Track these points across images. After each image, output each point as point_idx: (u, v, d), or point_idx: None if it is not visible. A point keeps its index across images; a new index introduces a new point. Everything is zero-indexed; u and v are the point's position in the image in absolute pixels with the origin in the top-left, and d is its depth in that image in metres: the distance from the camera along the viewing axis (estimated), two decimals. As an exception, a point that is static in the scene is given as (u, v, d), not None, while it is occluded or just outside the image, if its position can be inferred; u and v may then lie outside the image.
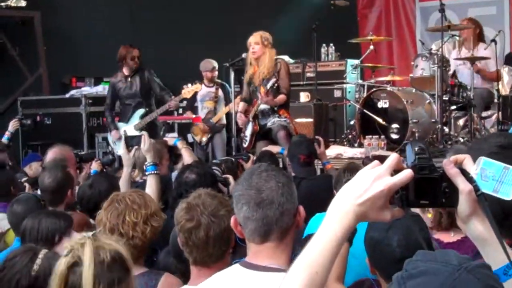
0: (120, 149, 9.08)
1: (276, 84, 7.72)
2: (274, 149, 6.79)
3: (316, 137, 6.82)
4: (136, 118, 9.14)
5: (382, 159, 4.78)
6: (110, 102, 9.39)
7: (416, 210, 3.08)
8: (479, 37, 9.33)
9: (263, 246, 2.38)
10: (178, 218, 3.09)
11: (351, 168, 4.51)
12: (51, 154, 5.81)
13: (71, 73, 11.90)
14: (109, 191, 3.99)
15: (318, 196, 5.27)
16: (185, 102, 10.31)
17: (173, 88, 9.88)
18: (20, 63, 11.66)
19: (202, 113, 10.10)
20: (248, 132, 8.11)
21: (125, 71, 9.19)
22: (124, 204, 3.38)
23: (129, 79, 9.18)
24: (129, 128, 9.06)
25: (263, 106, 8.01)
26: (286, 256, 2.41)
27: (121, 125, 9.24)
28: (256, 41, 7.95)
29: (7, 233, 4.54)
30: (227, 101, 9.82)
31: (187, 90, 9.18)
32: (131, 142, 4.92)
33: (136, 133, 8.87)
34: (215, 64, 10.16)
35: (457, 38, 9.19)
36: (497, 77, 9.00)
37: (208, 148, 10.18)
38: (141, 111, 9.13)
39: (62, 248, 3.36)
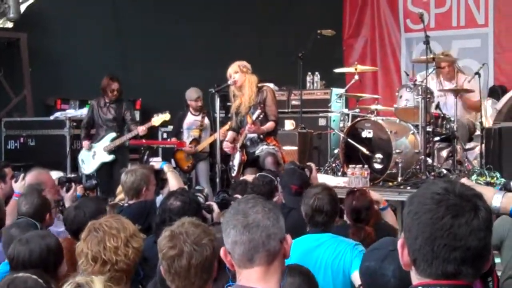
0: (87, 169, 9.53)
1: (261, 116, 7.77)
2: (251, 178, 6.79)
3: (308, 163, 6.83)
4: (107, 141, 9.58)
5: (363, 193, 4.81)
6: (86, 121, 9.89)
7: None
8: (458, 69, 9.44)
9: (253, 270, 2.43)
10: (161, 246, 3.11)
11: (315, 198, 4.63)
12: (29, 178, 5.82)
13: (55, 95, 11.87)
14: (95, 213, 3.98)
15: (306, 226, 5.30)
16: (170, 127, 10.34)
17: (158, 111, 9.92)
18: (5, 84, 11.62)
19: (187, 141, 10.17)
20: (236, 161, 8.15)
21: (106, 98, 9.71)
22: (102, 231, 3.40)
23: (108, 105, 9.67)
24: (98, 148, 9.60)
25: (250, 135, 8.05)
26: (275, 281, 2.46)
27: (92, 145, 9.70)
28: (234, 70, 8.03)
29: None
30: (214, 129, 9.88)
31: (156, 119, 9.56)
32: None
33: (105, 154, 9.52)
34: (199, 94, 10.22)
35: (437, 70, 9.26)
36: (480, 107, 9.09)
37: (191, 174, 10.20)
38: (112, 134, 9.60)
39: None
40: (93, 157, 9.62)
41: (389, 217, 5.77)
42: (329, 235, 4.57)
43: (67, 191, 6.24)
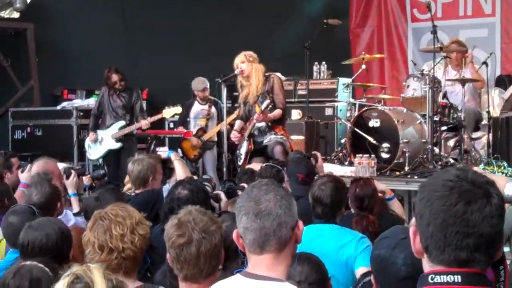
0: (93, 154, 9.54)
1: (270, 105, 7.78)
2: (257, 167, 6.79)
3: (313, 152, 6.83)
4: (115, 128, 9.56)
5: (367, 181, 4.80)
6: (97, 107, 9.84)
7: None
8: (471, 60, 9.40)
9: (262, 257, 2.45)
10: (169, 234, 3.10)
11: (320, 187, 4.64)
12: (35, 167, 5.81)
13: (62, 85, 11.90)
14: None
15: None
16: (176, 117, 10.34)
17: (163, 103, 9.94)
18: (12, 74, 11.65)
19: (194, 130, 10.17)
20: (243, 150, 8.17)
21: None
22: (108, 219, 3.39)
23: (118, 92, 9.64)
24: (106, 135, 9.58)
25: (259, 124, 8.05)
26: (284, 268, 2.49)
27: (99, 131, 9.67)
28: (241, 60, 8.03)
29: None
30: (220, 118, 9.87)
31: (168, 111, 9.60)
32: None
33: (113, 141, 9.50)
34: (206, 84, 10.23)
35: (445, 59, 9.23)
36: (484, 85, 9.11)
37: (198, 163, 10.22)
38: (121, 122, 9.58)
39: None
40: (100, 143, 9.61)
41: (396, 207, 5.78)
42: (332, 226, 4.56)
43: (67, 178, 6.06)
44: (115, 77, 9.60)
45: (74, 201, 5.91)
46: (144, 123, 9.37)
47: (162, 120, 10.62)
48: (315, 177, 5.72)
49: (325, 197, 4.57)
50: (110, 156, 9.58)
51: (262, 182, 2.56)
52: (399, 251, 2.79)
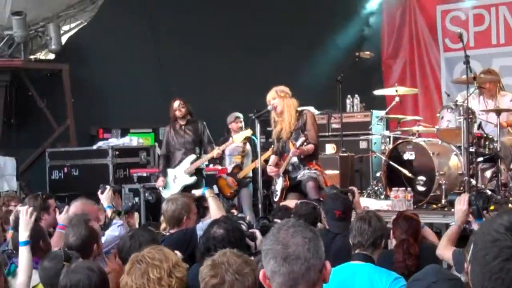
0: (168, 194, 9.18)
1: (305, 143, 7.79)
2: (291, 204, 6.77)
3: (350, 187, 6.80)
4: (187, 163, 9.44)
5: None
6: (165, 148, 9.73)
7: None
8: (500, 87, 9.31)
9: None
10: (203, 275, 3.12)
11: (362, 218, 4.69)
12: (73, 208, 5.87)
13: (98, 124, 12.04)
14: (149, 244, 3.99)
15: (351, 252, 5.28)
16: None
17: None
18: (48, 114, 11.83)
19: (229, 168, 10.20)
20: (278, 186, 8.17)
21: (180, 121, 9.60)
22: (145, 262, 3.41)
23: (183, 127, 9.56)
24: (179, 172, 9.44)
25: (292, 160, 8.06)
26: None
27: (170, 170, 9.56)
28: (272, 96, 8.07)
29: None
30: (255, 154, 9.87)
31: (238, 136, 9.58)
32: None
33: (187, 177, 9.35)
34: (238, 114, 10.28)
35: (479, 89, 9.15)
36: None
37: (234, 200, 10.22)
38: (192, 156, 9.46)
39: None
40: (174, 181, 9.49)
41: (428, 234, 5.83)
42: (368, 265, 4.51)
43: (102, 193, 6.48)
44: (176, 104, 9.55)
45: (110, 211, 6.27)
46: (216, 152, 9.29)
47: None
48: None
49: (367, 227, 4.57)
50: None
51: (288, 223, 2.49)
52: None
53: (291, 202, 6.97)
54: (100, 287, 3.71)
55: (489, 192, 7.83)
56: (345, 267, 4.50)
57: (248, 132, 9.57)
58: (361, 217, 4.71)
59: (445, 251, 4.93)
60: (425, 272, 3.05)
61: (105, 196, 6.41)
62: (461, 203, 4.95)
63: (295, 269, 2.37)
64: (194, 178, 9.35)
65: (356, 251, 4.61)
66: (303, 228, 2.47)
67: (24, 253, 4.76)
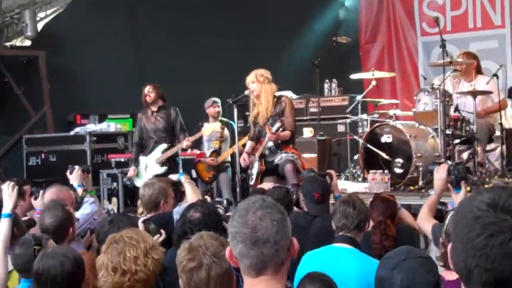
0: (140, 182, 9.05)
1: (281, 129, 7.79)
2: (268, 186, 6.78)
3: (328, 170, 6.82)
4: (158, 152, 9.31)
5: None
6: (138, 136, 9.58)
7: None
8: (478, 70, 9.35)
9: (258, 279, 2.40)
10: (180, 258, 3.10)
11: (346, 201, 4.70)
12: (48, 195, 5.85)
13: (75, 110, 11.98)
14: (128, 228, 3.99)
15: (330, 234, 5.28)
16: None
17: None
18: (25, 101, 11.75)
19: (207, 153, 10.20)
20: (254, 170, 8.18)
21: (152, 107, 9.42)
22: (123, 242, 3.42)
23: (155, 114, 9.40)
24: (150, 160, 9.33)
25: (269, 144, 8.07)
26: (281, 286, 2.43)
27: (142, 158, 9.46)
28: (251, 80, 8.04)
29: (9, 276, 4.53)
30: (233, 139, 9.87)
31: (207, 128, 9.44)
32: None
33: (157, 166, 9.24)
34: (215, 99, 10.28)
35: (456, 72, 9.19)
36: (501, 107, 9.02)
37: (212, 184, 10.24)
38: (163, 146, 9.31)
39: None
40: (145, 169, 9.40)
41: (405, 215, 5.88)
42: (353, 250, 4.49)
43: (71, 173, 6.54)
44: (145, 89, 9.40)
45: (80, 190, 6.35)
46: (186, 144, 9.16)
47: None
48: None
49: (352, 210, 4.59)
50: None
51: (256, 204, 2.42)
52: (397, 272, 2.81)
53: (268, 185, 6.98)
54: (73, 275, 3.68)
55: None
56: (328, 250, 4.51)
57: (216, 125, 9.54)
58: (345, 200, 4.72)
59: (425, 222, 4.99)
60: (396, 251, 3.08)
61: (74, 176, 6.49)
62: (440, 172, 5.03)
63: (264, 252, 2.36)
64: (164, 168, 9.18)
65: (340, 233, 4.62)
66: (271, 210, 2.42)
67: (4, 225, 4.77)
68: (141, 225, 4.86)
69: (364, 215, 4.66)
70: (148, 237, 3.56)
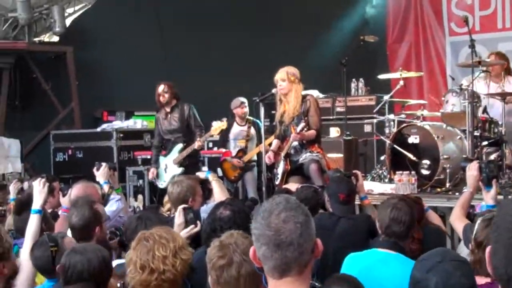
0: (163, 184, 9.17)
1: (305, 128, 7.75)
2: (293, 187, 6.75)
3: (354, 171, 6.76)
4: (175, 152, 9.21)
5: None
6: (156, 137, 9.49)
7: None
8: (508, 71, 9.26)
9: (282, 281, 2.39)
10: (211, 256, 3.11)
11: (398, 208, 4.48)
12: (75, 191, 5.88)
13: (102, 107, 12.05)
14: (156, 225, 4.00)
15: (355, 236, 5.26)
16: (217, 137, 10.34)
17: (202, 122, 9.94)
18: (53, 97, 11.84)
19: (234, 151, 10.19)
20: (280, 170, 8.15)
21: (166, 108, 9.26)
22: (153, 240, 3.43)
23: (169, 115, 9.25)
24: (169, 161, 9.24)
25: (294, 143, 8.04)
26: (306, 287, 2.43)
27: (161, 158, 9.38)
28: (282, 78, 7.98)
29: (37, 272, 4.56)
30: (260, 138, 9.84)
31: (214, 128, 9.18)
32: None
33: (175, 167, 9.13)
34: (244, 100, 10.23)
35: (485, 73, 9.11)
36: None
37: (237, 183, 10.23)
38: (179, 146, 9.18)
39: None
40: (165, 170, 9.32)
41: (433, 217, 5.82)
42: (398, 256, 4.38)
43: (97, 170, 6.61)
44: (159, 89, 9.19)
45: (107, 187, 6.42)
46: (198, 145, 9.01)
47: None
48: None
49: (403, 216, 4.47)
50: None
51: (279, 206, 2.40)
52: (432, 275, 2.80)
53: (293, 186, 6.95)
54: (99, 273, 3.67)
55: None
56: (372, 253, 4.43)
57: (224, 125, 9.20)
58: (396, 206, 4.50)
59: (457, 221, 4.94)
60: (431, 252, 3.05)
61: (101, 173, 6.54)
62: (472, 169, 5.03)
63: (288, 255, 2.35)
64: (181, 169, 9.04)
65: (385, 238, 4.48)
66: (295, 212, 2.40)
67: (33, 221, 4.81)
68: (180, 212, 4.85)
69: (413, 223, 4.53)
70: (178, 236, 3.56)
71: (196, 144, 9.02)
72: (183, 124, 9.19)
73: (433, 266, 2.82)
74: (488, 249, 1.83)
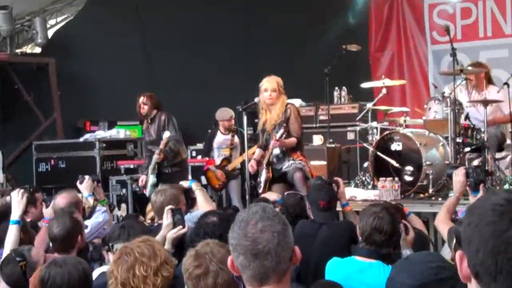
0: (148, 193, 9.02)
1: (285, 135, 7.75)
2: (272, 196, 6.75)
3: (335, 178, 6.76)
4: (153, 162, 9.13)
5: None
6: (145, 147, 9.47)
7: None
8: (489, 80, 9.32)
9: None
10: (187, 265, 3.08)
11: (380, 217, 4.48)
12: (61, 199, 5.85)
13: (85, 117, 12.00)
14: (139, 235, 3.97)
15: (337, 242, 5.26)
16: (199, 145, 10.34)
17: (186, 134, 9.93)
18: (35, 108, 11.79)
19: (218, 160, 10.19)
20: (262, 178, 8.15)
21: (147, 118, 9.24)
22: (133, 257, 3.37)
23: (149, 126, 9.23)
24: (150, 174, 9.16)
25: (276, 151, 8.04)
26: None
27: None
28: (273, 88, 7.96)
29: None
30: (243, 147, 9.81)
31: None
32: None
33: (152, 177, 9.06)
34: (232, 113, 10.24)
35: (467, 81, 9.15)
36: (511, 120, 8.98)
37: (221, 192, 10.23)
38: (154, 157, 9.08)
39: None
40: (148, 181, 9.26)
41: (415, 221, 5.83)
42: (377, 264, 4.40)
43: (81, 183, 6.52)
44: (140, 100, 9.17)
45: (91, 200, 6.36)
46: (157, 157, 8.93)
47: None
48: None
49: (385, 225, 4.47)
50: None
51: (256, 215, 2.38)
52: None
53: (272, 195, 6.96)
54: (79, 286, 3.65)
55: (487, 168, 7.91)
56: (351, 262, 4.45)
57: (166, 134, 8.96)
58: (379, 216, 4.51)
59: (442, 224, 4.99)
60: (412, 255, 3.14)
61: (84, 186, 6.48)
62: (459, 175, 5.07)
63: (266, 264, 2.34)
64: (153, 179, 8.99)
65: (364, 246, 4.50)
66: (271, 221, 2.39)
67: (12, 232, 4.79)
68: (168, 213, 4.83)
69: (395, 232, 4.52)
70: (160, 251, 3.48)
71: (156, 157, 8.92)
72: (159, 134, 9.08)
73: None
74: (458, 253, 1.85)
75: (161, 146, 8.94)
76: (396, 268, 3.26)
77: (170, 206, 4.96)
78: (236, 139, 10.32)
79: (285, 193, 6.60)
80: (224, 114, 10.30)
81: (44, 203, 6.13)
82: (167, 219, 4.82)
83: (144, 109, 9.16)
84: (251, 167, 8.16)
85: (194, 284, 3.02)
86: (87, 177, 6.57)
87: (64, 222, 4.79)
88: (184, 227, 4.77)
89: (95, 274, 4.22)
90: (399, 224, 4.71)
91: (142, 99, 9.16)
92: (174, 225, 4.79)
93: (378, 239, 4.43)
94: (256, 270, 2.34)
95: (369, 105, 10.17)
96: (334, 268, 4.47)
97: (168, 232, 4.71)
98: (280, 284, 2.38)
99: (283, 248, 2.36)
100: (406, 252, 4.80)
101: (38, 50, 12.20)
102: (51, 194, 9.27)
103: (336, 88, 11.37)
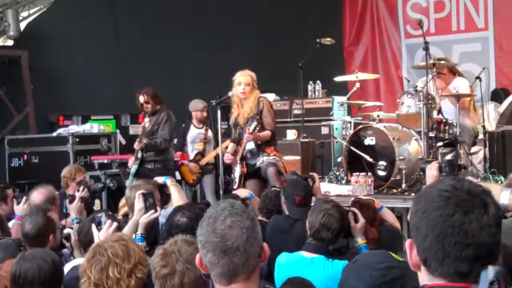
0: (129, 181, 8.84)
1: (258, 127, 7.74)
2: (243, 193, 6.74)
3: (310, 173, 6.78)
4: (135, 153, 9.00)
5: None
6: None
7: None
8: (454, 72, 9.31)
9: (230, 287, 2.38)
10: (154, 264, 3.07)
11: (329, 214, 4.63)
12: (37, 194, 5.79)
13: (58, 111, 11.89)
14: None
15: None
16: (175, 141, 10.27)
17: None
18: (7, 102, 11.66)
19: (192, 155, 10.15)
20: (236, 174, 8.13)
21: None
22: (107, 257, 3.34)
23: (148, 118, 9.02)
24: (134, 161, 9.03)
25: (250, 146, 8.03)
26: None
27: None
28: (247, 82, 7.96)
29: None
30: (217, 141, 9.77)
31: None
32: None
33: (136, 167, 8.87)
34: (205, 104, 10.21)
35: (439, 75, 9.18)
36: (467, 107, 9.02)
37: (196, 187, 10.20)
38: (136, 144, 8.96)
39: None
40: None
41: (387, 215, 5.86)
42: (320, 258, 4.52)
43: (70, 202, 6.14)
44: (140, 99, 9.01)
45: (75, 225, 5.88)
46: (136, 144, 8.80)
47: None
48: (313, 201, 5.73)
49: (334, 223, 4.56)
50: None
51: (224, 211, 2.39)
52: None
53: (242, 191, 6.95)
54: (50, 279, 3.64)
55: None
56: (296, 258, 4.54)
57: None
58: (328, 213, 4.65)
59: None
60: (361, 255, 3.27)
61: (73, 207, 6.10)
62: (432, 169, 5.12)
63: (235, 261, 2.34)
64: (134, 169, 8.85)
65: (312, 241, 4.62)
66: (240, 217, 2.39)
67: None
68: (140, 197, 4.81)
69: (342, 231, 4.68)
70: (134, 251, 3.43)
71: (135, 144, 8.81)
72: (152, 129, 8.96)
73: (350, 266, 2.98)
74: (408, 241, 1.92)
75: (140, 134, 8.88)
76: (346, 272, 3.33)
77: (142, 191, 4.93)
78: (210, 133, 10.29)
79: (269, 188, 6.64)
80: (197, 104, 10.27)
81: (15, 199, 6.06)
82: (139, 203, 4.80)
83: (148, 108, 9.00)
84: (227, 158, 8.15)
85: (161, 284, 3.01)
86: (77, 196, 6.17)
87: (36, 220, 4.73)
88: (156, 211, 4.77)
89: (67, 267, 4.20)
90: (347, 220, 4.84)
91: (142, 98, 9.02)
92: (146, 209, 4.78)
93: (325, 236, 4.58)
94: (225, 267, 2.34)
95: (343, 99, 10.20)
96: (283, 263, 4.59)
97: (141, 217, 4.70)
98: (249, 281, 2.38)
99: (252, 244, 2.36)
100: (358, 239, 5.01)
101: (10, 42, 12.07)
102: (24, 190, 9.21)
103: (310, 82, 11.38)
